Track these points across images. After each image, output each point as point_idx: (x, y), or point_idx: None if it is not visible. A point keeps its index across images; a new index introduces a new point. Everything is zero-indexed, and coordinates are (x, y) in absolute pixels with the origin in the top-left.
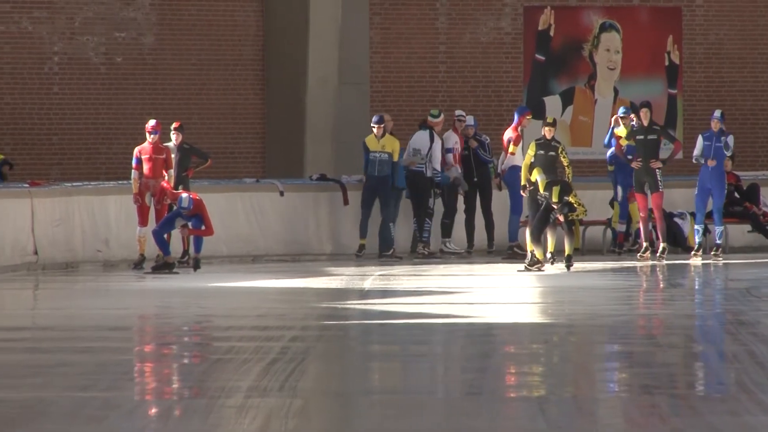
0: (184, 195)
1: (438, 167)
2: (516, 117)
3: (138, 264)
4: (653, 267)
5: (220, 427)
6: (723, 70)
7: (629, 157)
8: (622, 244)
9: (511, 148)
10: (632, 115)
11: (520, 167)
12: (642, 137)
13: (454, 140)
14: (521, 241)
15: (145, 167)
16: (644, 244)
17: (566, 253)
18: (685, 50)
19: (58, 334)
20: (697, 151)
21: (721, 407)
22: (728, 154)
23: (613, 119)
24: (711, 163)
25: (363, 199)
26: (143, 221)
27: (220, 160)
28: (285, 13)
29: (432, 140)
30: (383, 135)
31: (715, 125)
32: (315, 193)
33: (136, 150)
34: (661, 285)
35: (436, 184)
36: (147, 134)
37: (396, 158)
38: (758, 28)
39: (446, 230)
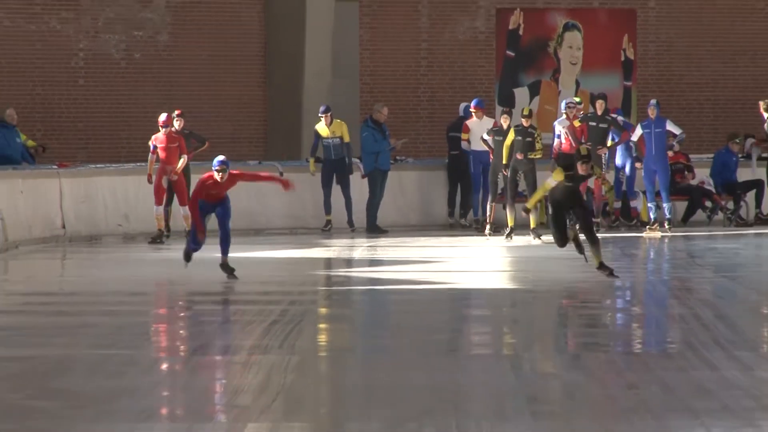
0: (221, 157)
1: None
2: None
3: (156, 239)
4: (611, 240)
5: (227, 381)
6: (672, 65)
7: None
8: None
9: (463, 136)
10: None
11: (477, 152)
12: (594, 124)
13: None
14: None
15: (161, 154)
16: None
17: (597, 262)
18: (639, 47)
19: (83, 299)
20: (635, 137)
21: (670, 364)
22: (680, 133)
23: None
24: (602, 150)
25: (323, 181)
26: (159, 201)
27: (227, 144)
28: (284, 14)
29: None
30: (331, 122)
31: (651, 112)
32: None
33: (152, 138)
34: (617, 255)
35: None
36: (159, 127)
37: (347, 140)
38: (703, 27)
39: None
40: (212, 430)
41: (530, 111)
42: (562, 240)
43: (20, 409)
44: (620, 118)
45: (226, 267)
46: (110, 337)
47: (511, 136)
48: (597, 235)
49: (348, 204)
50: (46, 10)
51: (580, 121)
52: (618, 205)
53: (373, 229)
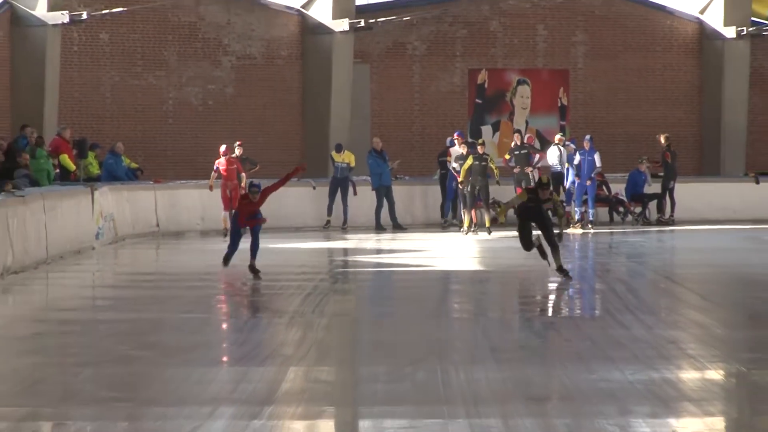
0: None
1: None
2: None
3: (226, 234)
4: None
5: (275, 336)
6: (595, 109)
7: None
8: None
9: (448, 158)
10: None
11: (454, 170)
12: (518, 152)
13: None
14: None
15: (223, 173)
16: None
17: (557, 265)
18: (571, 96)
19: (171, 277)
20: (576, 161)
21: (595, 324)
22: (598, 166)
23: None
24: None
25: (330, 191)
26: (226, 206)
27: (274, 166)
28: (317, 73)
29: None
30: (343, 152)
31: (586, 144)
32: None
33: (216, 162)
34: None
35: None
36: (221, 155)
37: (353, 165)
38: (617, 83)
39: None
40: (264, 372)
41: (483, 141)
42: (527, 246)
43: (126, 357)
44: (572, 146)
45: (253, 269)
46: (191, 305)
47: (469, 161)
48: (557, 242)
49: (345, 210)
50: (145, 70)
51: (508, 154)
52: (569, 209)
53: (397, 227)
